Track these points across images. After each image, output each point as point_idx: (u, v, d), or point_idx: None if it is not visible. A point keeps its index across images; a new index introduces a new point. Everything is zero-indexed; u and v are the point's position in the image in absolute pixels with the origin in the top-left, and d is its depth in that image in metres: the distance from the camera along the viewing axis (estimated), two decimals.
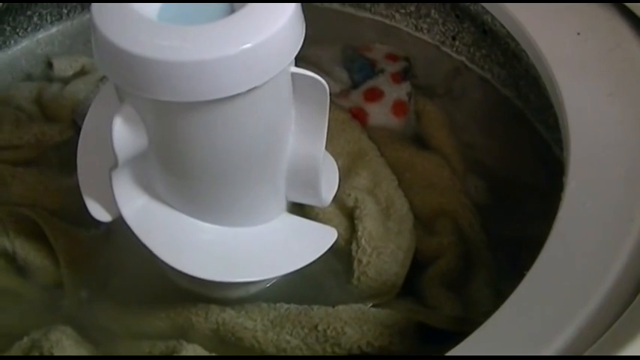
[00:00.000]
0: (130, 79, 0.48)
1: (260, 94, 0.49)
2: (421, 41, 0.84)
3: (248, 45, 0.46)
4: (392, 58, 0.84)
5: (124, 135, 0.50)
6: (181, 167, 0.54)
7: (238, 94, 0.47)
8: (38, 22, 0.85)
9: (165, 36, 0.46)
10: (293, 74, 0.51)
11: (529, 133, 0.74)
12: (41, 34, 0.86)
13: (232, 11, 0.49)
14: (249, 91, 0.47)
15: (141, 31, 0.46)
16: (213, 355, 0.60)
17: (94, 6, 0.48)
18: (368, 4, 0.87)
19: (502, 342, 0.46)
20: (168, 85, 0.46)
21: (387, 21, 0.86)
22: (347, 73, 0.83)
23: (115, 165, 0.52)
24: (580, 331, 0.45)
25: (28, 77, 0.85)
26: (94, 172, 0.58)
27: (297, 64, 0.52)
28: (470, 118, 0.79)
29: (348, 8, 0.88)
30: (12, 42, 0.85)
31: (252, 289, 0.64)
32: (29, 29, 0.85)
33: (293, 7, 0.48)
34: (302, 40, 0.50)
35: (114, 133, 0.50)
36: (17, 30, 0.85)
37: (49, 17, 0.86)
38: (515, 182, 0.73)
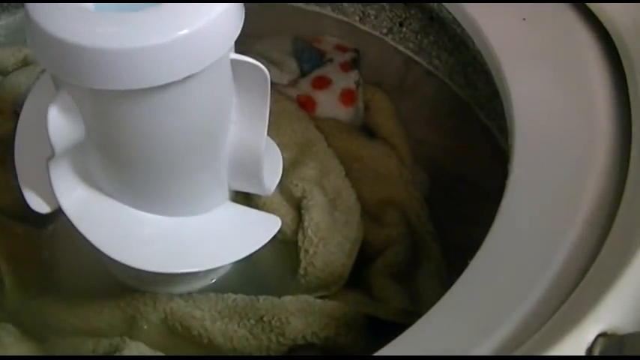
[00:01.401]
0: (65, 68, 0.47)
1: (198, 82, 0.48)
2: (368, 34, 0.83)
3: (185, 31, 0.45)
4: (341, 48, 0.84)
5: (61, 123, 0.49)
6: (119, 156, 0.53)
7: (175, 82, 0.46)
8: None
9: (99, 23, 0.45)
10: (233, 61, 0.51)
11: (475, 125, 0.74)
12: None
13: None
14: (186, 78, 0.47)
15: (75, 19, 0.45)
16: (158, 354, 0.60)
17: None
18: None
19: (438, 338, 0.46)
20: (103, 74, 0.45)
21: (332, 12, 0.85)
22: (296, 63, 0.83)
23: (52, 155, 0.51)
24: (522, 323, 0.45)
25: None
26: (32, 163, 0.57)
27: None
28: (417, 112, 0.79)
29: None
30: None
31: (197, 285, 0.63)
32: None
33: None
34: (241, 27, 0.49)
35: (49, 121, 0.49)
36: None
37: None
38: (459, 175, 0.73)
